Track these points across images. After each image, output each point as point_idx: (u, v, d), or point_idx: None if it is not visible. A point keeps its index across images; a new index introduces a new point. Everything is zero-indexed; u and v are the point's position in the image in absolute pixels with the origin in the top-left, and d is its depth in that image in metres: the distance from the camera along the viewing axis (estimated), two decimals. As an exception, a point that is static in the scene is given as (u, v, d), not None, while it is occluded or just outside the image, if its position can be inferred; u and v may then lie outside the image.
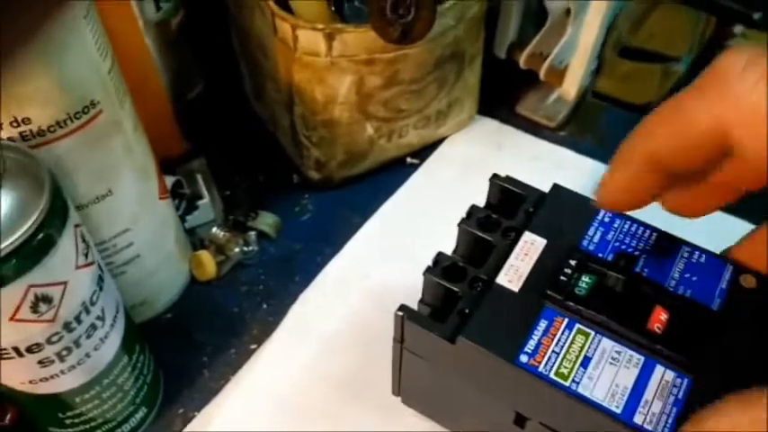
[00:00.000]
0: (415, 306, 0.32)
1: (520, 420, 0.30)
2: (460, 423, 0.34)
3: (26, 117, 0.29)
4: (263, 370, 0.39)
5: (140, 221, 0.37)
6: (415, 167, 0.49)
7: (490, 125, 0.51)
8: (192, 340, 0.41)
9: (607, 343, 0.28)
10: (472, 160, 0.49)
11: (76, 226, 0.29)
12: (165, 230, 0.40)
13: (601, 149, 0.50)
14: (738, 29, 1.48)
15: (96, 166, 0.33)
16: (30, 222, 0.26)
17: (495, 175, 0.34)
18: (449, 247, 0.32)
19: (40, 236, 0.26)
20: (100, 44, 0.32)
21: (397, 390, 0.35)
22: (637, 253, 0.30)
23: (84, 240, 0.30)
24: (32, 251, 0.26)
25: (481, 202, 0.34)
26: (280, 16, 0.38)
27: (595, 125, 0.52)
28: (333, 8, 0.39)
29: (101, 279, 0.31)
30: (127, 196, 0.35)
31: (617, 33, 1.33)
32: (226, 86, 0.51)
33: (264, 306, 0.42)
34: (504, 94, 0.52)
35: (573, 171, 0.48)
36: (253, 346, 0.40)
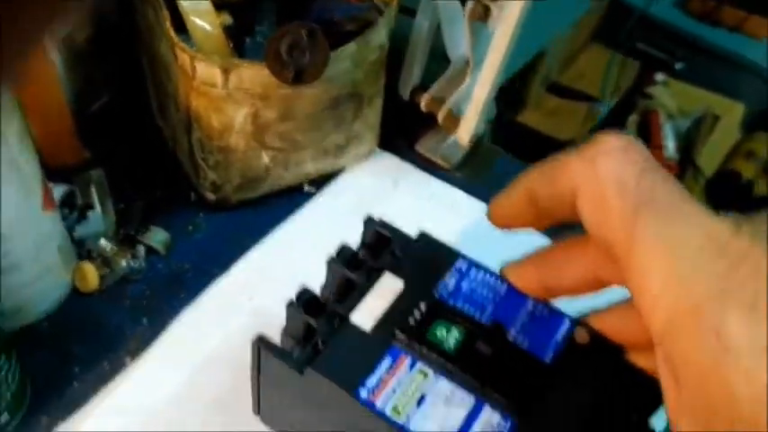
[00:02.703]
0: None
1: (361, 449, 0.32)
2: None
3: None
4: (133, 385, 0.40)
5: (20, 233, 0.37)
6: (311, 195, 0.50)
7: (390, 161, 0.53)
8: (66, 350, 0.41)
9: (443, 384, 0.30)
10: (368, 194, 0.51)
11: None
12: (48, 242, 0.40)
13: (492, 193, 0.52)
14: (660, 76, 1.56)
15: (-25, 176, 0.34)
16: None
17: (369, 218, 0.36)
18: None
19: None
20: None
21: (257, 409, 0.37)
22: (486, 303, 0.32)
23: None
24: None
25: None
26: (180, 47, 0.39)
27: (489, 169, 0.55)
28: (231, 44, 0.40)
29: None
30: (6, 209, 0.36)
31: (546, 70, 1.39)
32: (132, 100, 0.51)
33: (145, 321, 0.43)
34: (406, 132, 0.55)
35: (464, 212, 0.51)
36: (128, 360, 0.41)
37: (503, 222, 0.30)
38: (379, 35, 0.43)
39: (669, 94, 1.47)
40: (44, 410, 0.39)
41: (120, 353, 0.41)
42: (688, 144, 1.43)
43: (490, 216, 0.30)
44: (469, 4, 0.45)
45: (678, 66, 1.49)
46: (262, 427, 0.37)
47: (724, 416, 0.20)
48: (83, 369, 0.40)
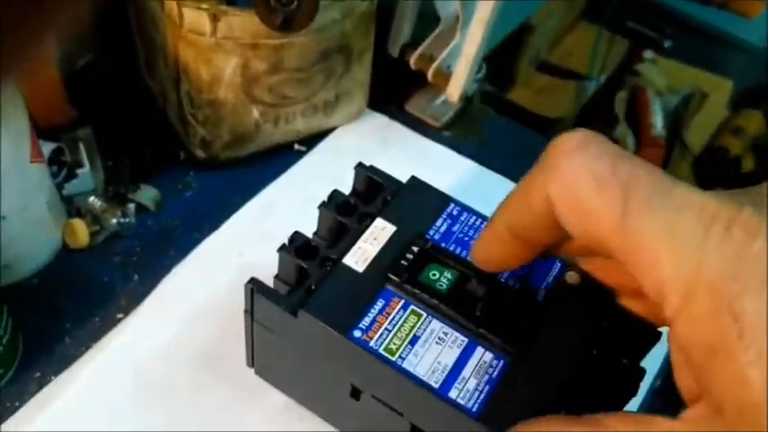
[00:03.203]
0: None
1: (355, 393, 0.32)
2: (305, 396, 0.36)
3: None
4: (125, 340, 0.39)
5: (7, 182, 0.37)
6: (301, 154, 0.50)
7: (379, 120, 0.53)
8: (57, 307, 0.41)
9: (436, 324, 0.30)
10: (357, 153, 0.50)
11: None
12: (36, 195, 0.40)
13: (481, 152, 0.52)
14: (649, 54, 1.56)
15: (-39, 123, 0.33)
16: None
17: (360, 164, 0.36)
18: None
19: None
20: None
21: (251, 362, 0.36)
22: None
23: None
24: None
25: None
26: (166, -8, 0.38)
27: (479, 129, 0.55)
28: (221, -10, 0.40)
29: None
30: (-6, 155, 0.35)
31: (535, 48, 1.38)
32: (119, 57, 0.51)
33: (136, 278, 0.43)
34: (395, 92, 0.55)
35: (453, 171, 0.51)
36: (119, 316, 0.41)
37: (493, 267, 0.29)
38: (369, -13, 0.43)
39: (657, 72, 1.47)
40: (36, 366, 0.38)
41: (111, 309, 0.41)
42: (676, 121, 1.44)
43: (473, 255, 0.29)
44: (460, -41, 0.45)
45: (666, 43, 1.49)
46: (253, 379, 0.37)
47: (735, 400, 0.20)
48: (74, 325, 0.40)
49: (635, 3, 1.32)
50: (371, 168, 0.35)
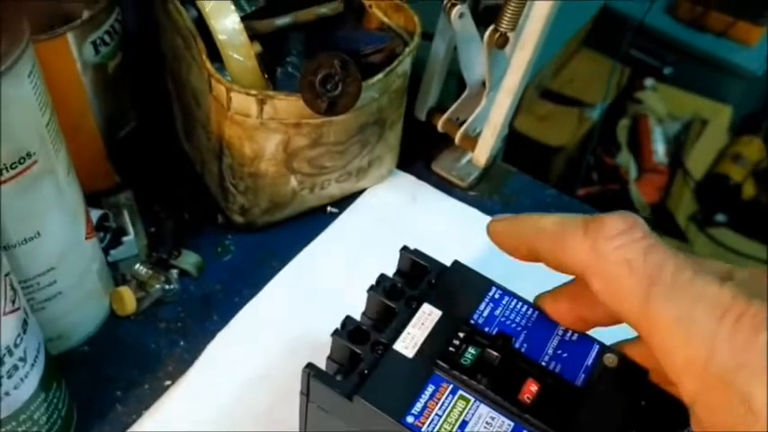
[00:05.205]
0: (325, 356, 0.35)
1: (406, 474, 0.33)
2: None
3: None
4: (174, 407, 0.41)
5: (66, 261, 0.39)
6: (334, 216, 0.52)
7: (407, 180, 0.55)
8: (107, 374, 0.42)
9: (484, 409, 0.32)
10: (388, 213, 0.52)
11: (6, 275, 0.31)
12: (89, 268, 0.41)
13: (505, 211, 0.54)
14: (649, 81, 1.58)
15: (26, 211, 0.35)
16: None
17: (404, 247, 0.38)
18: (359, 296, 0.36)
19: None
20: (40, 99, 0.33)
21: (302, 432, 0.38)
22: (519, 329, 0.34)
23: (12, 287, 0.31)
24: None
25: (393, 254, 0.37)
26: (216, 78, 0.40)
27: (502, 187, 0.57)
28: (266, 75, 0.42)
29: (25, 323, 0.33)
30: (54, 238, 0.37)
31: (539, 77, 1.40)
32: (158, 123, 0.53)
33: (181, 343, 0.44)
34: (422, 152, 0.57)
35: (480, 231, 0.53)
36: (167, 383, 0.42)
37: (500, 245, 0.32)
38: (404, 65, 0.45)
39: (658, 99, 1.50)
40: (90, 434, 0.40)
41: (159, 375, 0.43)
42: (678, 147, 1.46)
43: (489, 232, 0.33)
44: (488, 32, 0.47)
45: (667, 71, 1.52)
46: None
47: None
48: (124, 393, 0.42)
49: (636, 31, 1.35)
50: (416, 252, 0.37)
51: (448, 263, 0.37)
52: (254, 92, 0.40)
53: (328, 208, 0.52)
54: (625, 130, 1.47)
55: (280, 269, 0.48)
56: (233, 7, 0.40)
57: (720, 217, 1.41)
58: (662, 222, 1.38)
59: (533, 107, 1.39)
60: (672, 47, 1.49)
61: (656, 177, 1.45)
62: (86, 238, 0.40)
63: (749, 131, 1.54)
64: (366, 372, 0.33)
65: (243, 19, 0.41)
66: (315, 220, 0.51)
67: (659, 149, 1.47)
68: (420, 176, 0.56)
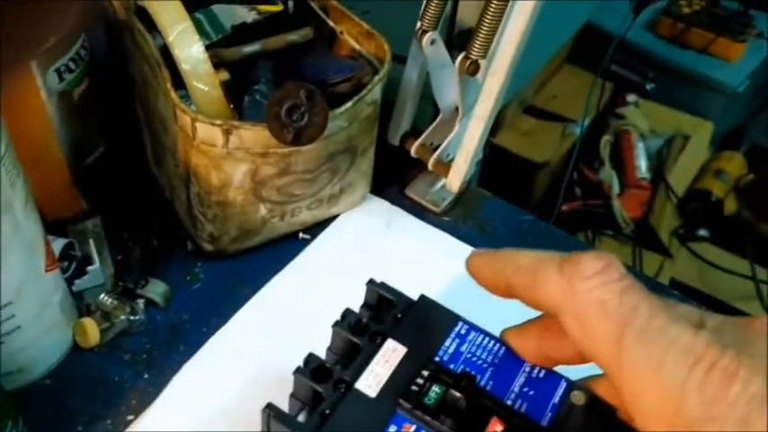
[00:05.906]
0: (288, 391, 0.35)
1: None
2: None
3: None
4: (136, 443, 0.40)
5: (24, 295, 0.38)
6: (307, 242, 0.51)
7: (381, 205, 0.55)
8: (69, 408, 0.41)
9: (448, 450, 0.31)
10: (361, 239, 0.52)
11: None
12: (50, 301, 0.40)
13: (480, 237, 0.54)
14: (632, 97, 1.59)
15: (-18, 246, 0.34)
16: None
17: (371, 281, 0.37)
18: (327, 327, 0.35)
19: None
20: (-4, 133, 0.33)
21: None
22: (485, 365, 0.34)
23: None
24: None
25: (363, 282, 0.36)
26: (181, 108, 0.40)
27: (476, 213, 0.56)
28: (232, 105, 0.41)
29: (-23, 362, 0.32)
30: (12, 272, 0.36)
31: (521, 93, 1.40)
32: (127, 148, 0.52)
33: (146, 376, 0.43)
34: (396, 177, 0.56)
35: (454, 257, 0.52)
36: (130, 417, 0.41)
37: (479, 280, 0.31)
38: (374, 93, 0.44)
39: (640, 115, 1.51)
40: (48, 471, 0.39)
41: (122, 409, 0.42)
42: (660, 163, 1.47)
43: (468, 266, 0.32)
44: (459, 59, 0.47)
45: (649, 86, 1.53)
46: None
47: None
48: (86, 427, 0.41)
49: (618, 47, 1.36)
50: (382, 285, 0.37)
51: (421, 289, 0.36)
52: (218, 122, 0.39)
53: (300, 234, 0.51)
54: (608, 145, 1.48)
55: (251, 296, 0.48)
56: (197, 36, 0.39)
57: (702, 232, 1.41)
58: (645, 237, 1.38)
59: (516, 123, 1.40)
60: (653, 63, 1.50)
61: (638, 193, 1.45)
62: (47, 271, 0.39)
63: (730, 147, 1.55)
64: (327, 412, 0.32)
65: (209, 47, 0.41)
66: (287, 246, 0.51)
67: (642, 165, 1.47)
68: (394, 201, 0.55)
